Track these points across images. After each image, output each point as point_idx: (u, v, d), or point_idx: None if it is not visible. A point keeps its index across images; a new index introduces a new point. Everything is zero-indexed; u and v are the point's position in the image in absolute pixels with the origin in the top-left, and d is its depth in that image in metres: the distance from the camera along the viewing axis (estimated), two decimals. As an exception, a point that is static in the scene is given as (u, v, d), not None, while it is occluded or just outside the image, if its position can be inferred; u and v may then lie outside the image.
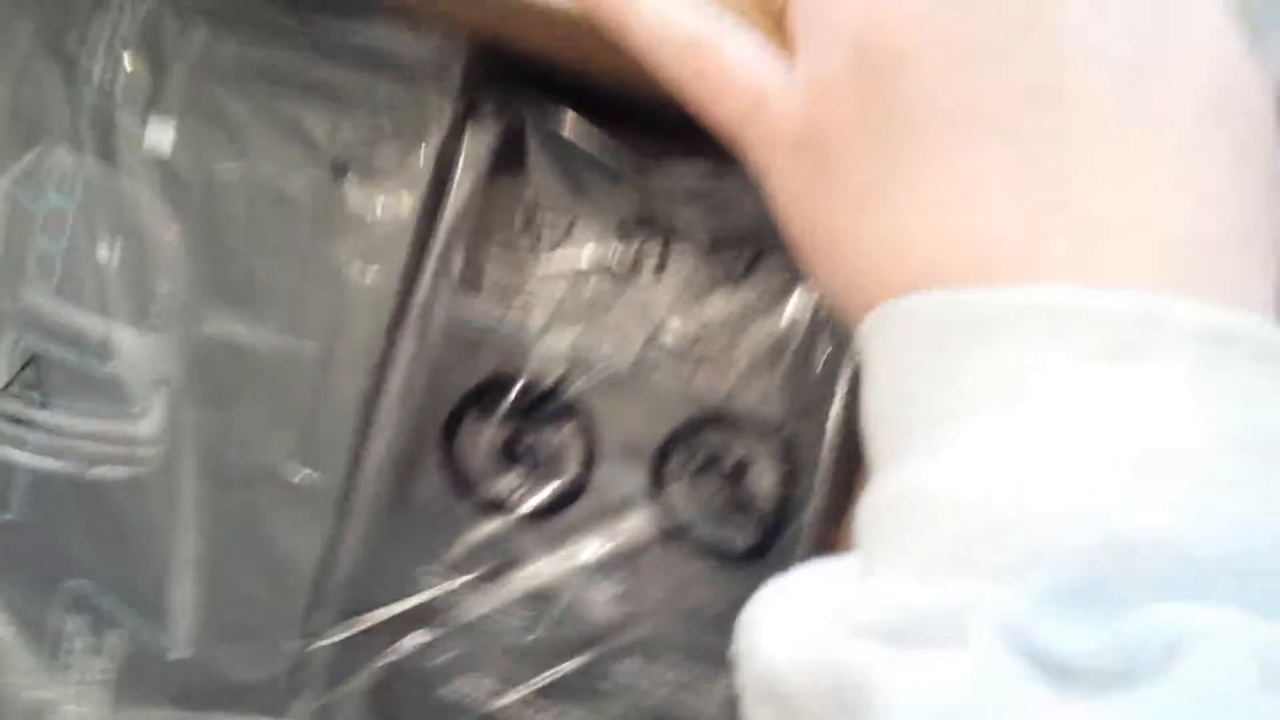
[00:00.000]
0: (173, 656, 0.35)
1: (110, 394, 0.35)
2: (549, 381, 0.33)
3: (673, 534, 0.33)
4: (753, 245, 0.32)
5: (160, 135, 0.34)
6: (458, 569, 0.34)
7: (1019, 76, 0.18)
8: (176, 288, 0.34)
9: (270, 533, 0.34)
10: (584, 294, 0.33)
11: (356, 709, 0.34)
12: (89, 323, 0.35)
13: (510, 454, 0.33)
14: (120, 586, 0.35)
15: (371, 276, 0.33)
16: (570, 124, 0.32)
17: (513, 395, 0.33)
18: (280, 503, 0.33)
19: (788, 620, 0.19)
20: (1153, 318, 0.17)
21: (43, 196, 0.35)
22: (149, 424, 0.35)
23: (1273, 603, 0.15)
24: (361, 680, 0.34)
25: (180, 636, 0.35)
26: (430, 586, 0.34)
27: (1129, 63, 0.18)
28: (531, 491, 0.33)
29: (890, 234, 0.19)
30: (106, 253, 0.34)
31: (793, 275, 0.31)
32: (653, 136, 0.32)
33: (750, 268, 0.31)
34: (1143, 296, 0.17)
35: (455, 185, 0.32)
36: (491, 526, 0.33)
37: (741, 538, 0.32)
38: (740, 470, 0.32)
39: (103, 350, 0.34)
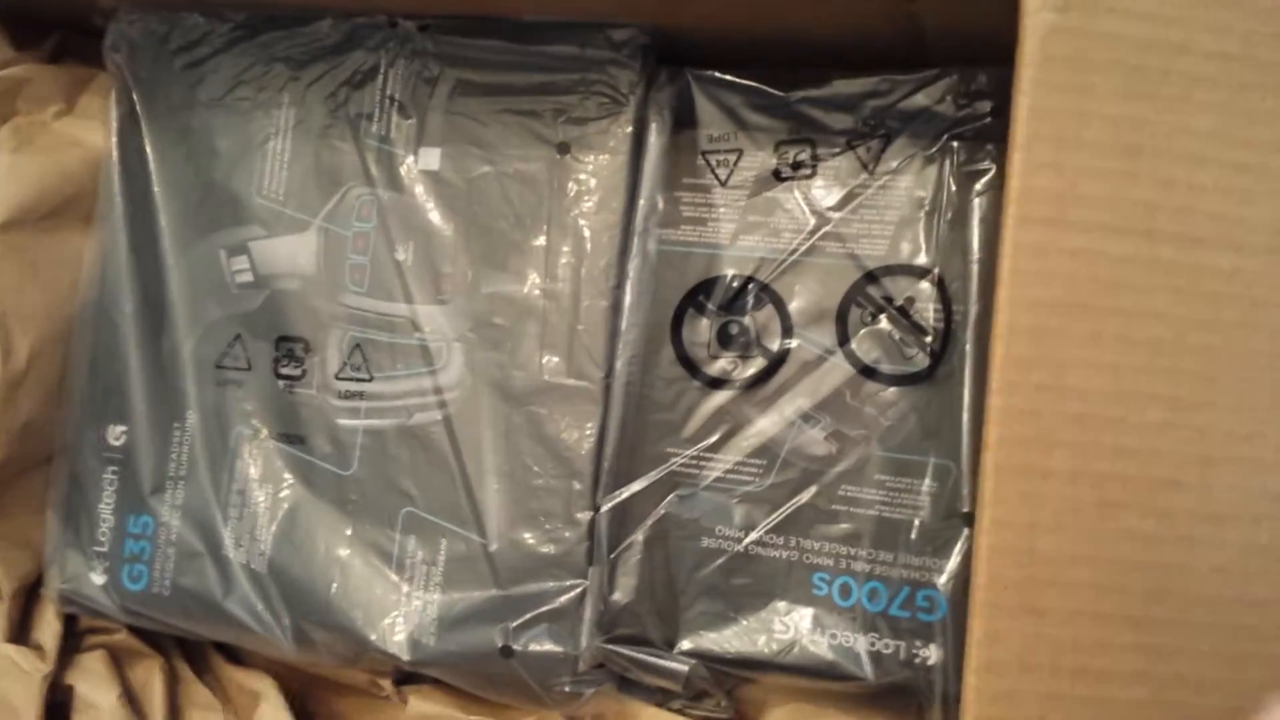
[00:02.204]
0: (490, 549, 0.43)
1: (419, 358, 0.44)
2: (743, 278, 0.41)
3: (862, 373, 0.40)
4: (880, 136, 0.40)
5: (429, 159, 0.44)
6: (695, 439, 0.42)
7: None
8: (458, 266, 0.44)
9: (552, 432, 0.42)
10: (757, 206, 0.41)
11: (639, 560, 0.42)
12: (396, 309, 0.45)
13: (724, 339, 0.42)
14: (441, 504, 0.44)
15: (599, 224, 0.42)
16: (722, 79, 0.41)
17: (717, 293, 0.42)
18: (557, 408, 0.42)
19: None
20: None
21: (349, 225, 0.46)
22: (451, 373, 0.44)
23: None
24: (639, 535, 0.42)
25: (493, 531, 0.43)
26: (677, 457, 0.42)
27: None
28: (745, 366, 0.41)
29: None
30: (403, 254, 0.44)
31: (914, 152, 0.39)
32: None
33: (881, 152, 0.39)
34: None
35: (649, 145, 0.41)
36: (718, 400, 0.42)
37: (915, 364, 0.40)
38: (905, 312, 0.40)
39: (410, 327, 0.44)
